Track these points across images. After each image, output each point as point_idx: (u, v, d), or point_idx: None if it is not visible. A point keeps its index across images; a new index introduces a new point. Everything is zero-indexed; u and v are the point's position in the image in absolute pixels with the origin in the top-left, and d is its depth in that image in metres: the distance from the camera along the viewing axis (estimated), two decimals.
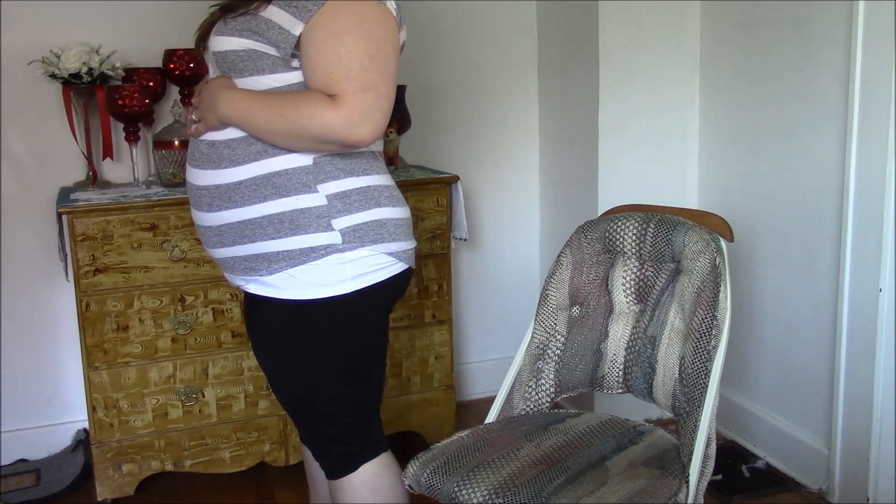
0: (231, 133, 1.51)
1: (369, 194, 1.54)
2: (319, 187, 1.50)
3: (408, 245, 1.61)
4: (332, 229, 1.51)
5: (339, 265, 1.51)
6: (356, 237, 1.52)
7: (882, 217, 2.09)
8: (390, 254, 1.56)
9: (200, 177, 1.55)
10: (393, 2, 1.50)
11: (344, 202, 1.51)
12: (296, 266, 1.51)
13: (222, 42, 1.49)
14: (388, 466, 1.67)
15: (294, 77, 1.48)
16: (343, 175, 1.52)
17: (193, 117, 1.56)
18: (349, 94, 1.39)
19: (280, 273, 1.52)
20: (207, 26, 1.59)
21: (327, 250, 1.51)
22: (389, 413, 2.56)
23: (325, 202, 1.50)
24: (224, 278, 1.67)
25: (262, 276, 1.54)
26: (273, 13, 1.45)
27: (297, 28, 1.43)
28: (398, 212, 1.59)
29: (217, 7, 1.57)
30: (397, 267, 1.59)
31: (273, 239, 1.50)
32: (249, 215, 1.51)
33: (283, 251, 1.51)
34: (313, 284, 1.51)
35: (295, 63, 1.47)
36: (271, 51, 1.46)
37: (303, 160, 1.50)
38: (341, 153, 1.52)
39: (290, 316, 1.55)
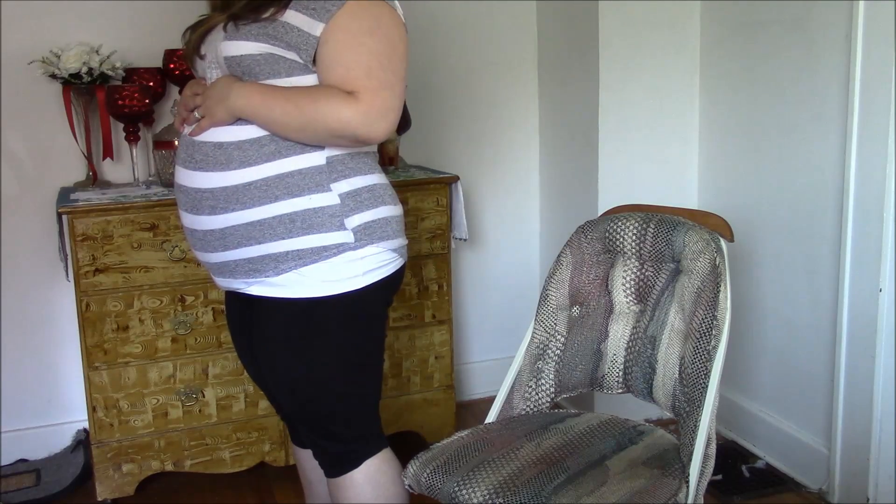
0: (241, 134, 1.50)
1: (376, 192, 1.57)
2: (333, 186, 1.51)
3: (405, 241, 1.65)
4: (346, 228, 1.52)
5: (351, 262, 1.53)
6: (366, 234, 1.54)
7: (882, 217, 2.09)
8: (394, 250, 1.59)
9: (202, 179, 1.52)
10: (399, 7, 1.52)
11: (355, 200, 1.53)
12: (307, 265, 1.51)
13: (236, 47, 1.48)
14: (390, 461, 1.69)
15: (311, 80, 1.49)
16: (353, 174, 1.54)
17: (196, 114, 1.55)
18: (368, 92, 1.42)
19: (289, 272, 1.52)
20: (203, 33, 1.57)
21: (340, 248, 1.52)
22: (389, 413, 2.56)
23: (338, 201, 1.51)
24: None
25: (267, 276, 1.53)
26: (291, 17, 1.45)
27: (317, 29, 1.44)
28: (397, 209, 1.63)
29: (219, 16, 1.55)
30: (398, 263, 1.62)
31: (283, 239, 1.50)
32: (258, 216, 1.50)
33: (293, 251, 1.50)
34: (324, 282, 1.52)
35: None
36: (290, 55, 1.46)
37: (316, 160, 1.51)
38: (350, 152, 1.54)
39: (297, 314, 1.55)
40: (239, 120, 1.51)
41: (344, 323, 1.56)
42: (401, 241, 1.62)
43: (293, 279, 1.52)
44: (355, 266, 1.53)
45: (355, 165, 1.55)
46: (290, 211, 1.49)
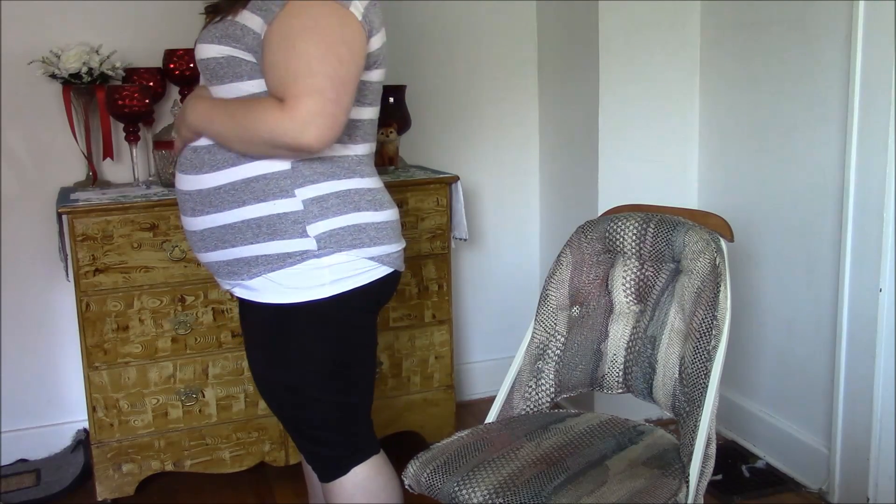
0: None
1: (348, 198, 1.53)
2: (297, 192, 1.49)
3: (392, 248, 1.59)
4: (307, 235, 1.50)
5: (315, 270, 1.51)
6: (332, 242, 1.51)
7: (882, 217, 2.09)
8: (371, 258, 1.55)
9: (185, 182, 1.56)
10: (360, 6, 1.45)
11: (320, 207, 1.50)
12: (274, 270, 1.51)
13: (204, 49, 1.50)
14: (380, 469, 1.66)
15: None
16: (322, 179, 1.51)
17: (173, 133, 1.59)
18: (294, 98, 1.36)
19: (259, 277, 1.52)
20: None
21: (303, 256, 1.50)
22: (389, 413, 2.56)
23: (301, 207, 1.49)
24: None
25: (243, 280, 1.54)
26: (247, 18, 1.45)
27: (265, 31, 1.43)
28: (380, 215, 1.57)
29: (206, 10, 1.57)
30: (380, 271, 1.57)
31: (251, 244, 1.50)
32: (229, 220, 1.51)
33: (261, 256, 1.51)
34: (292, 288, 1.51)
35: None
36: (249, 57, 1.45)
37: (281, 165, 1.49)
38: (321, 156, 1.51)
39: (271, 319, 1.55)
40: None
41: (315, 331, 1.55)
42: (384, 249, 1.56)
43: (264, 284, 1.52)
44: (321, 274, 1.51)
45: (326, 170, 1.51)
46: (257, 216, 1.49)
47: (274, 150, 1.44)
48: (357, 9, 1.44)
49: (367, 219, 1.54)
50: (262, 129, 1.40)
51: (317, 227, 1.50)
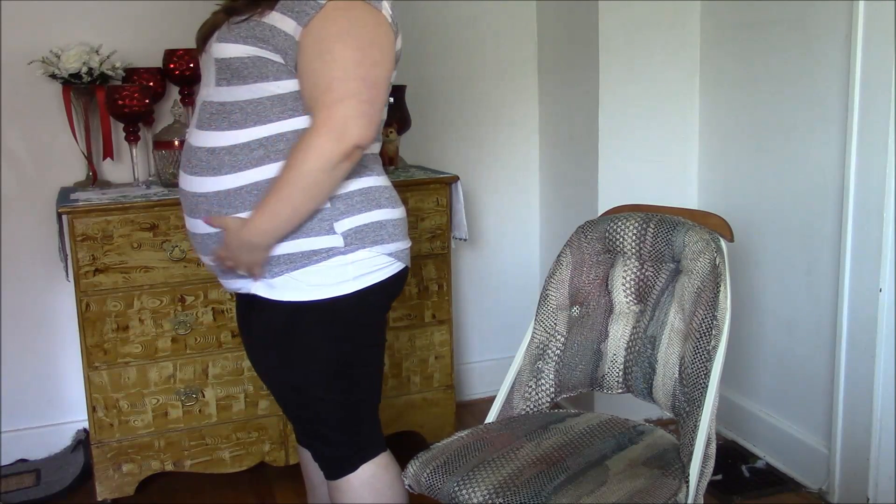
0: (232, 139, 1.49)
1: (370, 195, 1.55)
2: None
3: (405, 245, 1.62)
4: (335, 232, 1.51)
5: (341, 266, 1.52)
6: (357, 238, 1.52)
7: (882, 217, 2.09)
8: (389, 254, 1.57)
9: (199, 184, 1.53)
10: (388, 6, 1.49)
11: (346, 204, 1.52)
12: (297, 269, 1.51)
13: (226, 49, 1.48)
14: (388, 466, 1.67)
15: (297, 84, 1.48)
16: (345, 177, 1.52)
17: (241, 272, 1.54)
18: (325, 109, 1.39)
19: (282, 276, 1.52)
20: (210, 28, 1.57)
21: (329, 253, 1.51)
22: (389, 413, 2.56)
23: (327, 204, 1.50)
24: None
25: (264, 277, 1.53)
26: (277, 20, 1.44)
27: (299, 33, 1.43)
28: (396, 212, 1.60)
29: (220, 10, 1.56)
30: (395, 267, 1.59)
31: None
32: None
33: (285, 254, 1.50)
34: (314, 285, 1.52)
35: None
36: (277, 58, 1.45)
37: None
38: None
39: (288, 316, 1.55)
40: (230, 125, 1.49)
41: (332, 328, 1.55)
42: (398, 245, 1.59)
43: (286, 282, 1.52)
44: (346, 270, 1.52)
45: None
46: None
47: (336, 172, 1.44)
48: (386, 10, 1.48)
49: (387, 215, 1.57)
50: (313, 165, 1.40)
51: (343, 224, 1.51)
